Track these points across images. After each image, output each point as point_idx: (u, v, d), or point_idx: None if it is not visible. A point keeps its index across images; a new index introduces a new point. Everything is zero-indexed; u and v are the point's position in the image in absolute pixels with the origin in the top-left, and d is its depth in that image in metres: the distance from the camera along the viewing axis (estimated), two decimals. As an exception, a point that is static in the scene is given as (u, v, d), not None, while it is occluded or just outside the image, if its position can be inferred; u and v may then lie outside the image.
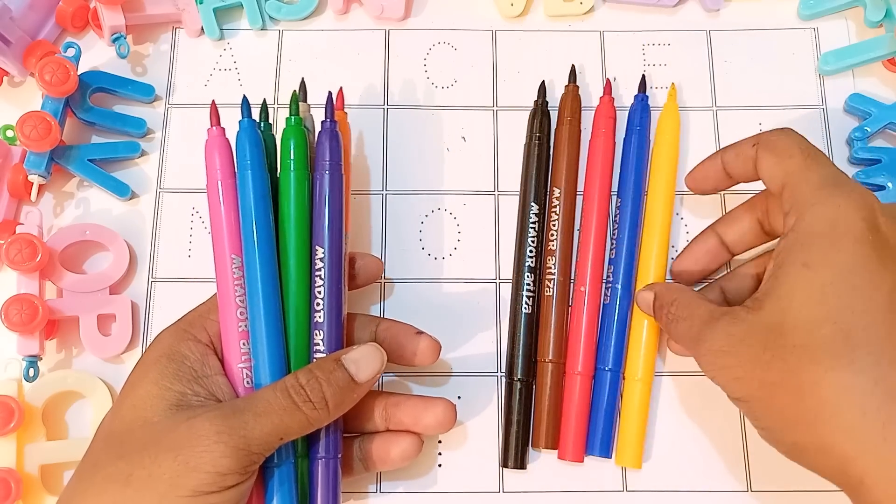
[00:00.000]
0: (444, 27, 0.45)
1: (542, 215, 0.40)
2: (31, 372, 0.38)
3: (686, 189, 0.39)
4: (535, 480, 0.38)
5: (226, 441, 0.28)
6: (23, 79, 0.44)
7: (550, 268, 0.39)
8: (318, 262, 0.33)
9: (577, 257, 0.40)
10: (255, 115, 0.35)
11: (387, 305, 0.41)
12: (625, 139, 0.41)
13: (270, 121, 0.36)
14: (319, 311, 0.33)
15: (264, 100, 0.35)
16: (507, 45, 0.45)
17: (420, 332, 0.36)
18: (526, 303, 0.39)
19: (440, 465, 0.39)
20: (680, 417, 0.39)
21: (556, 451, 0.38)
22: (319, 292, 0.33)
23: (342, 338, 0.34)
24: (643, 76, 0.43)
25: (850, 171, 0.42)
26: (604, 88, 0.42)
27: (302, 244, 0.33)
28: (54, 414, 0.39)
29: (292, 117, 0.34)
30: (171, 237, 0.42)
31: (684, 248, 0.39)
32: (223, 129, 0.34)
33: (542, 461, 0.38)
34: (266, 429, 0.29)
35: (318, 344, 0.33)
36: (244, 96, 0.34)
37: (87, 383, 0.39)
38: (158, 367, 0.31)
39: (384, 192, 0.42)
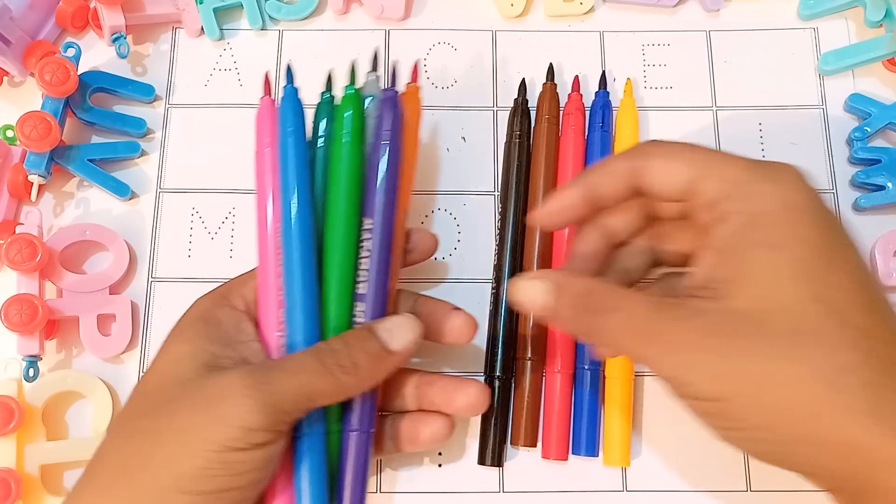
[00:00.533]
0: (444, 27, 0.45)
1: (521, 214, 0.40)
2: (31, 372, 0.38)
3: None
4: (535, 480, 0.38)
5: (254, 396, 0.28)
6: (23, 79, 0.44)
7: (529, 266, 0.39)
8: (365, 233, 0.33)
9: (553, 254, 0.40)
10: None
11: (387, 305, 0.41)
12: (587, 136, 0.41)
13: (333, 92, 0.35)
14: (363, 283, 0.33)
15: (329, 71, 0.35)
16: (507, 45, 0.45)
17: (457, 309, 0.35)
18: (502, 300, 0.39)
19: (440, 466, 0.39)
20: (680, 417, 0.39)
21: (540, 450, 0.38)
22: (363, 263, 0.33)
23: (384, 311, 0.33)
24: (603, 72, 0.43)
25: (850, 171, 0.43)
26: (572, 85, 0.42)
27: (351, 215, 0.33)
28: (54, 414, 0.39)
29: (351, 87, 0.34)
30: (171, 237, 0.42)
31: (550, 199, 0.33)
32: (273, 99, 0.34)
33: (539, 461, 0.38)
34: (295, 387, 0.29)
35: (357, 315, 0.33)
36: (288, 65, 0.34)
37: (87, 383, 0.39)
38: (194, 328, 0.31)
39: (384, 192, 0.42)
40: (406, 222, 0.35)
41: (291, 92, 0.34)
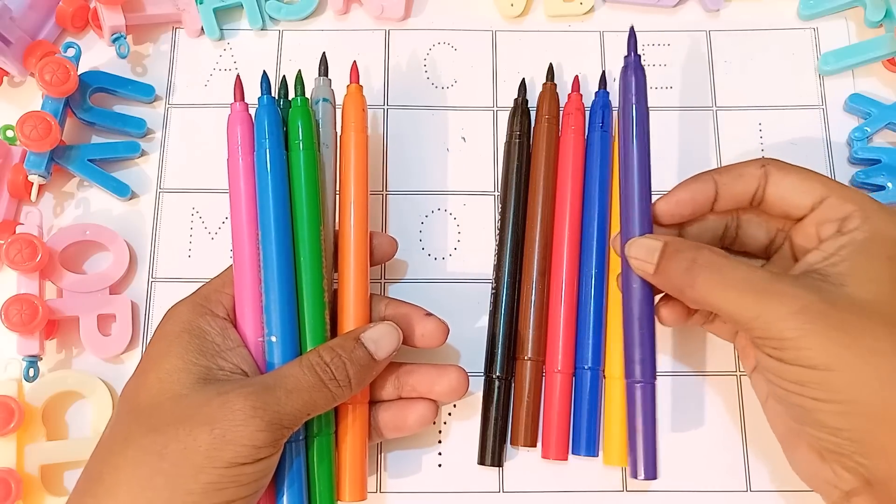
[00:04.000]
0: (444, 27, 0.45)
1: (521, 214, 0.40)
2: (31, 372, 0.38)
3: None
4: (535, 480, 0.38)
5: (261, 416, 0.29)
6: (23, 79, 0.44)
7: (529, 266, 0.39)
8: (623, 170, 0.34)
9: (553, 255, 0.40)
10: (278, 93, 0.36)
11: (387, 305, 0.41)
12: (587, 137, 0.40)
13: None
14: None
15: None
16: (507, 45, 0.45)
17: (429, 314, 0.36)
18: (502, 300, 0.39)
19: (440, 465, 0.39)
20: (679, 417, 0.39)
21: (539, 450, 0.38)
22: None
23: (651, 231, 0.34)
24: (603, 72, 0.42)
25: (850, 171, 0.43)
26: (572, 85, 0.42)
27: (313, 217, 0.34)
28: (54, 414, 0.39)
29: (298, 98, 0.34)
30: (171, 237, 0.42)
31: (676, 188, 0.35)
32: (246, 104, 0.34)
33: (538, 461, 0.38)
34: (297, 405, 0.30)
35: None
36: (264, 72, 0.35)
37: (87, 383, 0.39)
38: (181, 342, 0.32)
39: (384, 193, 0.42)
40: (369, 224, 0.36)
41: (268, 102, 0.34)
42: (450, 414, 0.39)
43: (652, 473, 0.35)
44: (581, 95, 0.41)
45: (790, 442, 0.33)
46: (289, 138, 0.34)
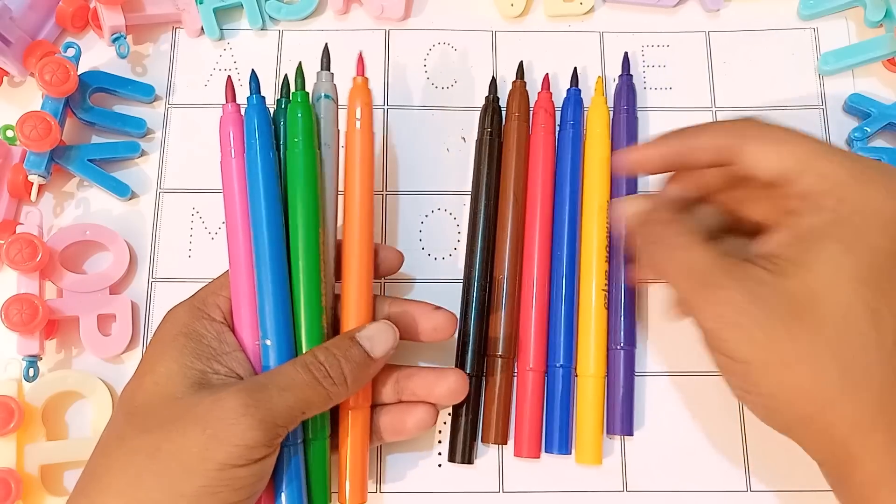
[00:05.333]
0: (444, 27, 0.45)
1: (492, 211, 0.40)
2: (31, 372, 0.38)
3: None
4: (535, 480, 0.38)
5: (252, 414, 0.29)
6: (23, 79, 0.44)
7: (500, 263, 0.39)
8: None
9: (524, 252, 0.40)
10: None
11: (387, 305, 0.41)
12: (559, 135, 0.41)
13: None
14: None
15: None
16: (507, 45, 0.45)
17: (438, 308, 0.36)
18: (473, 297, 0.39)
19: (440, 465, 0.39)
20: (679, 417, 0.39)
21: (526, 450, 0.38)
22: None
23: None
24: (575, 69, 0.42)
25: (850, 171, 0.43)
26: (542, 83, 0.42)
27: (310, 215, 0.33)
28: (54, 414, 0.39)
29: (298, 92, 0.34)
30: (171, 237, 0.42)
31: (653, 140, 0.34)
32: (238, 105, 0.34)
33: (539, 461, 0.39)
34: (290, 403, 0.30)
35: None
36: (252, 71, 0.34)
37: (87, 383, 0.39)
38: (177, 345, 0.32)
39: (384, 193, 0.42)
40: (373, 230, 0.35)
41: (257, 102, 0.33)
42: (450, 414, 0.39)
43: (628, 430, 0.38)
44: (551, 94, 0.41)
45: None
46: (287, 136, 0.34)
